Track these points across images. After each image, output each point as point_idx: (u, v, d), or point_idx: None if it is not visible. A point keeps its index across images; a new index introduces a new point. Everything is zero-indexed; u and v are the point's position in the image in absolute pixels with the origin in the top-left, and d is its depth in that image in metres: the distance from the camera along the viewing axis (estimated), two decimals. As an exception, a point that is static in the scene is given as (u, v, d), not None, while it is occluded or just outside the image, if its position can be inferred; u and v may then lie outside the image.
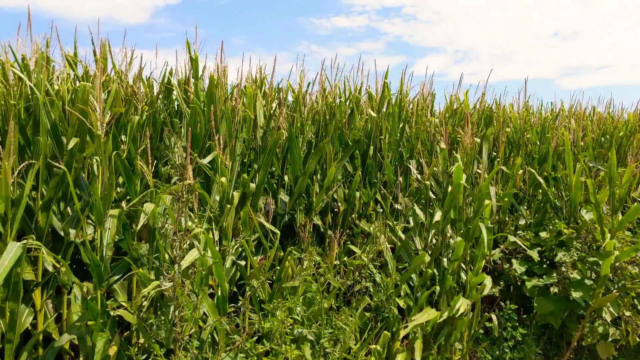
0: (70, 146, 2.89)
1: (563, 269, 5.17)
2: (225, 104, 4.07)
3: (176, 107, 4.66)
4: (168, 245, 2.70)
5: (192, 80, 4.54)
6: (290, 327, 3.12)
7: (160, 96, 4.68)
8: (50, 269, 3.23)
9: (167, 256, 2.98)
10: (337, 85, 5.62)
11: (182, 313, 2.67)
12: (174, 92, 4.67)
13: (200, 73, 4.65)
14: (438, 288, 4.47)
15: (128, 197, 3.74)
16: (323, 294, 3.65)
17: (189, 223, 2.70)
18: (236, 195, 3.60)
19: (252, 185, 4.02)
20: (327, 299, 3.57)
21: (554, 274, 5.22)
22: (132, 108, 3.96)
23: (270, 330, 3.18)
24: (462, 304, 4.11)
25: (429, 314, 4.16)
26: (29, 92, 3.10)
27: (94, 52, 4.38)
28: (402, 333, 4.01)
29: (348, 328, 3.43)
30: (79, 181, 3.24)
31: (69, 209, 3.41)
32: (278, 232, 4.09)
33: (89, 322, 2.90)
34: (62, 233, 3.28)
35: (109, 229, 3.07)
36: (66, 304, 3.41)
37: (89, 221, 3.63)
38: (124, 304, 3.28)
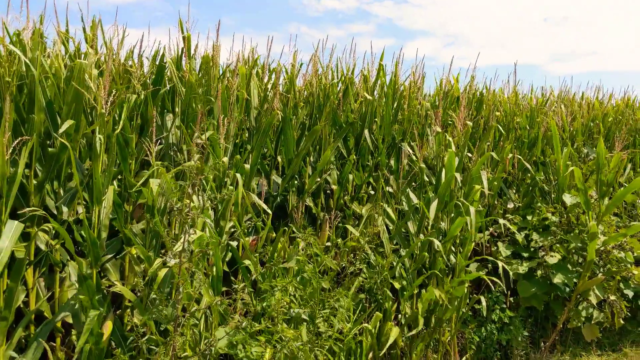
0: (64, 128, 2.86)
1: (541, 252, 5.24)
2: (221, 83, 4.04)
3: (168, 86, 4.62)
4: (174, 223, 2.69)
5: (184, 59, 4.50)
6: (287, 306, 3.15)
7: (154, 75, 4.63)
8: (43, 247, 3.21)
9: (166, 234, 2.98)
10: (329, 67, 5.60)
11: (184, 291, 2.68)
12: (167, 71, 4.62)
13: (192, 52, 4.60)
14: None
15: (119, 177, 3.72)
16: (319, 275, 3.67)
17: (195, 201, 2.70)
18: (238, 176, 3.60)
19: (246, 167, 4.01)
20: (323, 280, 3.59)
21: (537, 258, 5.30)
22: (126, 86, 3.92)
23: (264, 309, 3.20)
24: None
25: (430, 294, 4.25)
26: (24, 68, 3.05)
27: (84, 29, 4.31)
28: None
29: (342, 309, 3.46)
30: (72, 159, 3.20)
31: (61, 189, 3.38)
32: (270, 212, 4.09)
33: (85, 300, 2.89)
34: (55, 211, 3.26)
35: (105, 207, 3.05)
36: (58, 282, 3.39)
37: (80, 201, 3.61)
38: (117, 282, 3.28)
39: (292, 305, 3.22)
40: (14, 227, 2.64)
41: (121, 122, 3.20)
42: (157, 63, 4.19)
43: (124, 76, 3.99)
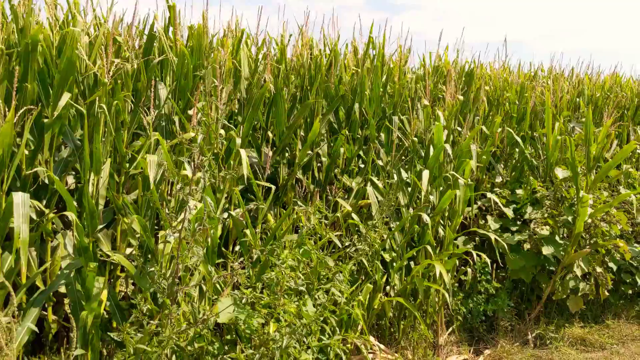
0: (63, 102, 2.82)
1: (533, 225, 5.32)
2: (212, 54, 4.00)
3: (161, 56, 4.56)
4: (175, 196, 2.69)
5: (172, 29, 4.43)
6: (290, 280, 3.18)
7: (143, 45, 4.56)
8: (34, 216, 3.19)
9: (164, 205, 2.98)
10: (311, 38, 5.54)
11: (183, 265, 2.69)
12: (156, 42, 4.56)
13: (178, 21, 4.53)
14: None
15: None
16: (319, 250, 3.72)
17: (198, 174, 2.70)
18: (242, 152, 3.59)
19: (238, 141, 3.99)
20: (328, 258, 3.64)
21: (526, 231, 5.37)
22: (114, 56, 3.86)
23: (266, 282, 3.23)
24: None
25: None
26: (16, 37, 3.00)
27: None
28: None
29: (341, 284, 3.53)
30: (63, 129, 3.18)
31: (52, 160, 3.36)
32: (272, 187, 4.10)
33: (87, 268, 2.89)
34: (47, 181, 3.24)
35: (102, 177, 3.04)
36: (49, 252, 3.38)
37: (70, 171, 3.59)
38: (110, 252, 3.28)
39: (295, 279, 3.25)
40: (22, 199, 2.63)
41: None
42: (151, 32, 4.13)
43: (114, 45, 3.93)
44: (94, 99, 2.99)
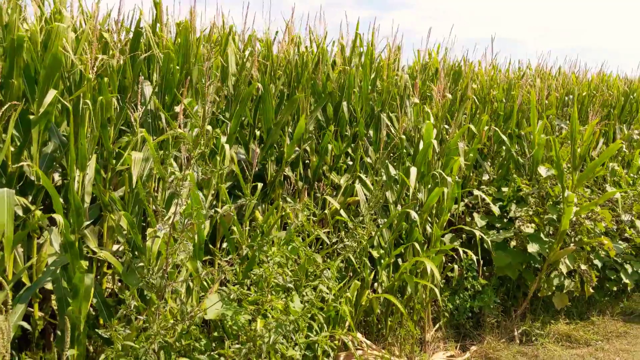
0: (49, 99, 2.80)
1: (518, 222, 5.36)
2: (199, 50, 3.99)
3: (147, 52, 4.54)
4: (163, 191, 2.68)
5: (158, 25, 4.41)
6: (277, 276, 3.19)
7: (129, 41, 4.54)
8: (20, 213, 3.17)
9: (151, 202, 2.97)
10: (298, 35, 5.54)
11: (172, 261, 2.69)
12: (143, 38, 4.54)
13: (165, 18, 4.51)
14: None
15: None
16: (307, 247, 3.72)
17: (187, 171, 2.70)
18: (227, 147, 3.59)
19: (223, 138, 3.99)
20: (316, 255, 3.65)
21: (512, 228, 5.42)
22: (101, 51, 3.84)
23: (253, 279, 3.23)
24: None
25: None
26: (1, 33, 2.97)
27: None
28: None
29: (329, 281, 3.53)
30: (49, 125, 3.16)
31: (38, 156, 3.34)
32: (259, 184, 4.10)
33: (73, 265, 2.88)
34: (33, 178, 3.22)
35: (88, 174, 3.03)
36: (36, 248, 3.37)
37: (56, 167, 3.57)
38: (96, 249, 3.27)
39: (283, 276, 3.26)
40: (6, 195, 2.61)
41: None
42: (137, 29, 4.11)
43: (100, 41, 3.91)
44: (79, 94, 2.97)
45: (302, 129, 4.51)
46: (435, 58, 6.79)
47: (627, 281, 5.85)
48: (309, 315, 3.32)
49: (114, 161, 3.45)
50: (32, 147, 3.05)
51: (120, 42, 3.57)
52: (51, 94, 2.82)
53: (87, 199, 3.19)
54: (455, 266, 5.00)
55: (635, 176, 7.10)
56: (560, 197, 5.30)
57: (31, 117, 2.97)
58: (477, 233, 4.87)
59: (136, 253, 3.21)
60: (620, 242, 5.94)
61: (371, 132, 5.42)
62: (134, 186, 3.08)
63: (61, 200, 3.34)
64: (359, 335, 4.12)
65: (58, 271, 3.02)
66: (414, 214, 4.48)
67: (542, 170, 5.59)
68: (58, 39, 2.83)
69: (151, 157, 3.18)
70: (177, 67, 3.93)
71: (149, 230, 2.84)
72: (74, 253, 2.92)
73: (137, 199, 3.27)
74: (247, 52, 4.91)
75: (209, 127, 3.47)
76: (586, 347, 5.04)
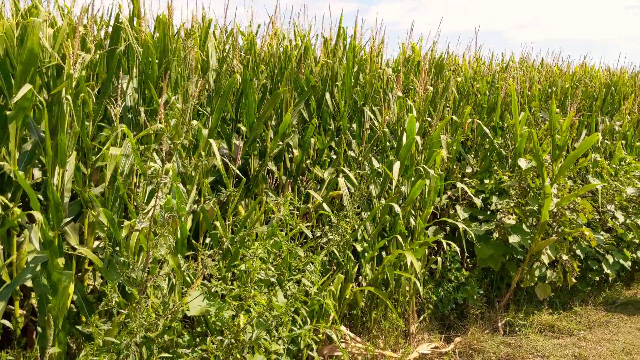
0: (21, 93, 2.77)
1: (499, 214, 5.40)
2: (177, 44, 3.96)
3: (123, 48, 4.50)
4: (144, 187, 2.67)
5: (135, 19, 4.37)
6: (260, 270, 3.18)
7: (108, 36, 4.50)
8: (-1, 210, 3.14)
9: (131, 198, 2.95)
10: (286, 30, 5.54)
11: (153, 255, 2.67)
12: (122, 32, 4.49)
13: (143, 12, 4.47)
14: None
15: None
16: (290, 241, 3.72)
17: (164, 166, 2.68)
18: (212, 142, 3.56)
19: (205, 132, 3.97)
20: (299, 249, 3.65)
21: (494, 220, 5.45)
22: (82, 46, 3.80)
23: (237, 274, 3.23)
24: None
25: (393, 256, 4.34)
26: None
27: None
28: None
29: (312, 274, 3.53)
30: (27, 120, 3.12)
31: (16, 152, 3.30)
32: (243, 178, 4.08)
33: (57, 264, 2.86)
34: (11, 175, 3.18)
35: (68, 170, 3.00)
36: (15, 246, 3.34)
37: (36, 163, 3.53)
38: (77, 246, 3.24)
39: (267, 270, 3.26)
40: None
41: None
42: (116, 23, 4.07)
43: (76, 36, 3.87)
44: (59, 90, 2.94)
45: (287, 123, 4.50)
46: (418, 51, 6.79)
47: (608, 271, 5.92)
48: (293, 309, 3.32)
49: (93, 157, 3.42)
50: (9, 144, 3.02)
51: (99, 36, 3.54)
52: (25, 87, 2.78)
53: (67, 195, 3.17)
54: (439, 258, 5.02)
55: (617, 167, 7.18)
56: (542, 188, 5.34)
57: (8, 112, 2.93)
58: (460, 225, 4.90)
59: (117, 249, 3.20)
60: (602, 232, 6.00)
61: (355, 126, 5.42)
62: (108, 181, 3.06)
63: (41, 197, 3.32)
64: (343, 328, 4.13)
65: (38, 268, 3.00)
66: (397, 207, 4.49)
67: (522, 162, 5.63)
68: (34, 33, 2.79)
69: (132, 153, 3.16)
70: (157, 62, 3.89)
71: (126, 223, 2.82)
72: (53, 250, 2.89)
73: (117, 195, 3.25)
74: (227, 46, 4.88)
75: (194, 122, 3.45)
76: (569, 336, 5.10)
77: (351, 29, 5.93)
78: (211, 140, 3.78)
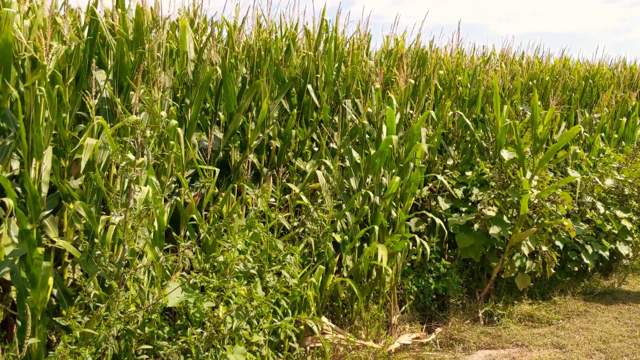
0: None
1: (480, 206, 5.45)
2: (151, 35, 3.93)
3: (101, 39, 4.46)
4: (120, 179, 2.65)
5: (118, 10, 4.33)
6: (239, 262, 3.19)
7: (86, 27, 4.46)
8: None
9: (108, 190, 2.94)
10: (272, 22, 5.53)
11: (129, 248, 2.67)
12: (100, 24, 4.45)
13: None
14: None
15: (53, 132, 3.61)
16: (269, 233, 3.72)
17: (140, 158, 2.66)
18: (180, 130, 3.55)
19: (174, 122, 3.93)
20: (277, 241, 3.65)
21: (475, 211, 5.50)
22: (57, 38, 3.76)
23: (215, 266, 3.23)
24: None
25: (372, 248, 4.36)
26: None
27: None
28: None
29: (292, 265, 3.54)
30: (2, 112, 3.09)
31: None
32: (217, 169, 4.07)
33: (35, 255, 2.84)
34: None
35: (45, 163, 2.98)
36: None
37: (14, 156, 3.50)
38: (56, 239, 3.22)
39: (245, 261, 3.26)
40: None
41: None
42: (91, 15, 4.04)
43: (53, 27, 3.83)
44: (33, 81, 2.91)
45: (265, 114, 4.50)
46: (402, 44, 6.81)
47: (587, 262, 6.01)
48: (273, 300, 3.33)
49: (70, 150, 3.40)
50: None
51: (77, 27, 3.50)
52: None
53: (45, 188, 3.14)
54: (423, 247, 5.04)
55: (596, 159, 7.27)
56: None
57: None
58: (437, 221, 4.96)
59: (95, 241, 3.18)
60: (581, 223, 6.08)
61: (336, 118, 5.43)
62: (84, 171, 3.04)
63: (19, 189, 3.29)
64: (324, 319, 4.15)
65: (16, 262, 2.97)
66: (376, 198, 4.52)
67: (505, 154, 5.67)
68: (8, 24, 2.76)
69: (109, 145, 3.14)
70: (131, 53, 3.86)
71: (103, 217, 2.81)
72: (31, 242, 2.88)
73: (95, 188, 3.23)
74: (204, 37, 4.86)
75: (164, 113, 3.43)
76: (548, 326, 5.17)
77: (334, 22, 5.90)
78: (179, 130, 3.73)
